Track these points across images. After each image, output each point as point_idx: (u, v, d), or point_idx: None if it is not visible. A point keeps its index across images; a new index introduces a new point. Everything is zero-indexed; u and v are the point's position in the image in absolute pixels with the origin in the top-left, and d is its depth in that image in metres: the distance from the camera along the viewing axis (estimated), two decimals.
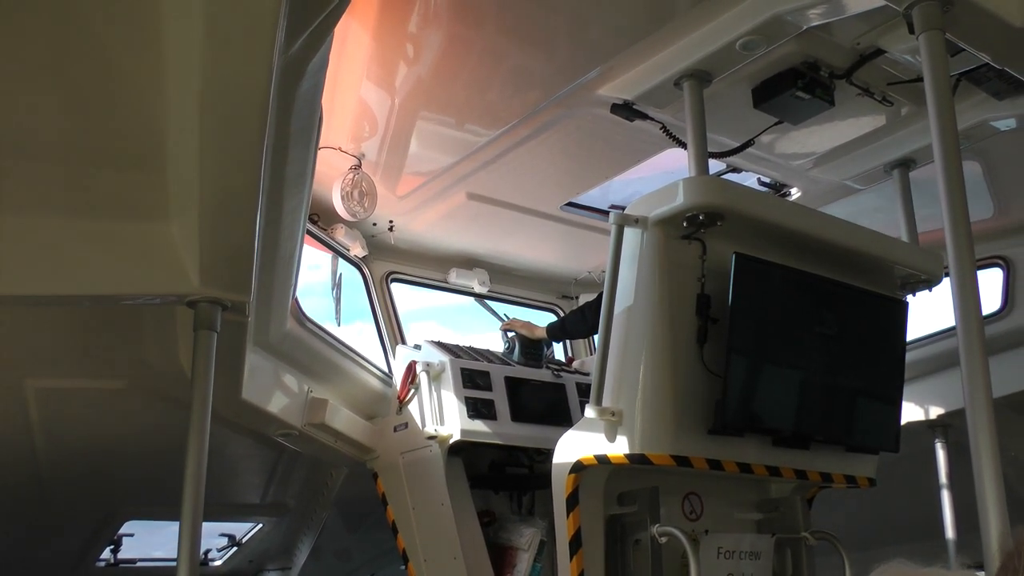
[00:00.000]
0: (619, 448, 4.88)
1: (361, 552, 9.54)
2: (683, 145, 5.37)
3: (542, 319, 7.26)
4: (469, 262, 7.26)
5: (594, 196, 6.89)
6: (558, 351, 7.36)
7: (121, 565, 9.07)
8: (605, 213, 6.68)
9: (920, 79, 4.08)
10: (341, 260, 6.66)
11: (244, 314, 4.47)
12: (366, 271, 6.84)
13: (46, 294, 4.38)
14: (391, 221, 6.74)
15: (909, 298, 5.84)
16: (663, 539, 5.00)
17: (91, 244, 4.26)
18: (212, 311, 4.27)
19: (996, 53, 4.40)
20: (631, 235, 4.93)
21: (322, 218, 6.43)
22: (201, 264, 4.14)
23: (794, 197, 6.55)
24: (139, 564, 9.28)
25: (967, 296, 3.59)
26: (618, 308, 4.95)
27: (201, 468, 4.28)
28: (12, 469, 6.36)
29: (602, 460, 4.98)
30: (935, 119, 3.80)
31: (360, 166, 6.16)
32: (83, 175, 4.07)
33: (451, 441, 5.98)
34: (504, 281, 7.50)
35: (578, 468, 5.07)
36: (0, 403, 5.54)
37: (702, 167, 4.94)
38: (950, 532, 6.73)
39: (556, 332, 6.68)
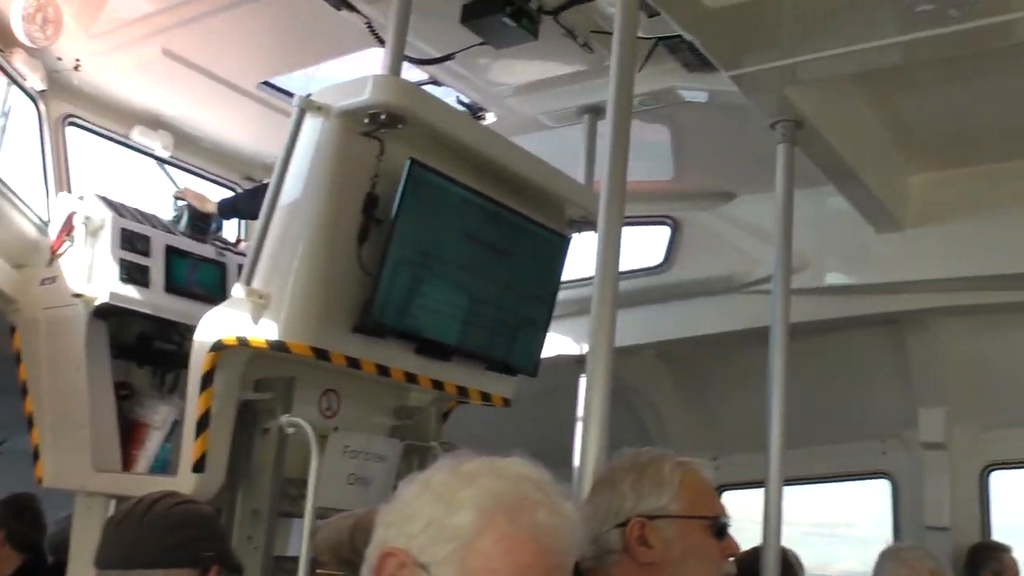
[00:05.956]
0: (261, 332, 4.81)
1: None
2: (384, 44, 5.30)
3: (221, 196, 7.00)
4: (155, 122, 6.88)
5: (298, 82, 6.68)
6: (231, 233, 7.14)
7: None
8: None
9: None
10: (14, 88, 6.15)
11: None
12: (42, 107, 6.30)
13: None
14: (78, 59, 6.26)
15: (574, 236, 6.10)
16: (290, 430, 4.99)
17: None
18: None
19: (686, 24, 4.62)
20: (312, 122, 4.84)
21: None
22: None
23: (489, 122, 6.63)
24: None
25: (609, 246, 3.75)
26: (286, 192, 4.86)
27: None
28: None
29: (243, 342, 4.88)
30: (615, 73, 3.97)
31: None
32: None
33: (97, 303, 5.65)
34: (189, 150, 7.14)
35: (218, 347, 4.95)
36: None
37: (396, 67, 4.84)
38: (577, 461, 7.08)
39: (227, 209, 6.45)
